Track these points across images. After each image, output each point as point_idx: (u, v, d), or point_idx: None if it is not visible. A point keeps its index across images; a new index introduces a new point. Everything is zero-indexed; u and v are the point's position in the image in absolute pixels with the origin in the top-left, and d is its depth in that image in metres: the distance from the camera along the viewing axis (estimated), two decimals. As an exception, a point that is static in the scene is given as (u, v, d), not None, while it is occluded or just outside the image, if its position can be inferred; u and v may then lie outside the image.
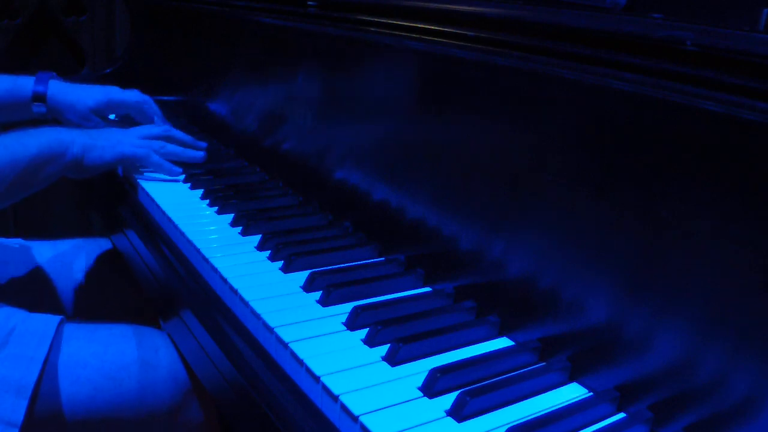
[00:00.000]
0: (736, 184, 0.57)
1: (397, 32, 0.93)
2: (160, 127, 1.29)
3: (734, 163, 0.57)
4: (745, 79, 0.56)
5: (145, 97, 1.41)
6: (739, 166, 0.57)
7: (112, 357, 0.96)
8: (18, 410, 0.86)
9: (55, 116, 1.37)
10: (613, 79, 0.66)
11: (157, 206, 1.09)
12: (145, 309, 1.31)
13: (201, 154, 1.27)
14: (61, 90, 1.35)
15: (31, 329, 0.93)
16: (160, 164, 1.20)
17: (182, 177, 1.22)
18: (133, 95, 1.40)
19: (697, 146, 0.60)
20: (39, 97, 1.34)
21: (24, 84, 1.33)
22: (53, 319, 0.95)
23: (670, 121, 0.62)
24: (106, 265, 1.30)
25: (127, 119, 1.44)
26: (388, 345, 0.72)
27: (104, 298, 1.27)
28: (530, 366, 0.71)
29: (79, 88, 1.39)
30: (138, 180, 1.19)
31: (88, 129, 1.20)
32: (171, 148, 1.24)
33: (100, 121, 1.38)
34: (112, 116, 1.46)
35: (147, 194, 1.14)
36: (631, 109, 0.65)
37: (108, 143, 1.15)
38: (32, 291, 1.18)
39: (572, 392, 0.68)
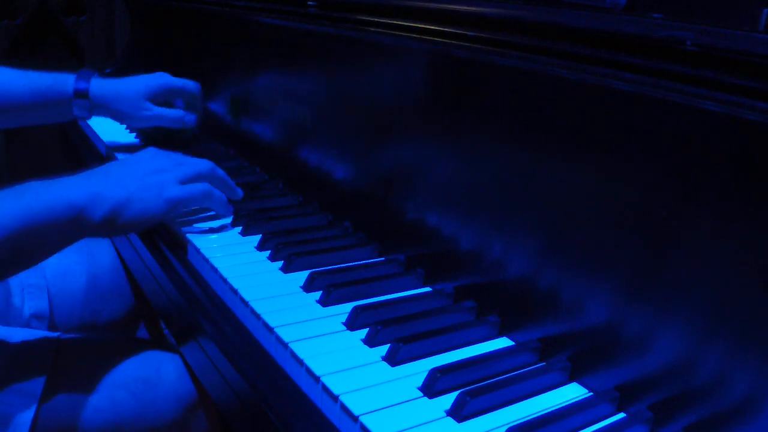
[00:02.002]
0: (736, 184, 0.57)
1: (397, 32, 0.93)
2: (204, 163, 0.99)
3: (734, 163, 0.57)
4: (745, 79, 0.56)
5: (198, 86, 1.36)
6: (739, 166, 0.57)
7: (111, 377, 0.93)
8: None
9: (102, 113, 1.31)
10: (613, 79, 0.66)
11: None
12: (146, 311, 1.31)
13: (241, 192, 1.05)
14: (106, 84, 1.29)
15: (28, 360, 0.90)
16: (220, 199, 0.98)
17: None
18: (189, 83, 1.34)
19: (697, 146, 0.60)
20: (81, 94, 1.25)
21: (64, 81, 1.26)
22: (49, 346, 0.93)
23: (670, 121, 0.62)
24: (106, 266, 1.29)
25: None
26: (388, 345, 0.72)
27: (105, 300, 1.26)
28: (530, 366, 0.71)
29: (125, 79, 1.32)
30: None
31: (103, 174, 0.91)
32: (218, 192, 0.99)
33: (154, 108, 1.31)
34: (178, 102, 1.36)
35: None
36: (631, 109, 0.65)
37: (147, 193, 0.89)
38: (38, 297, 1.17)
39: (572, 392, 0.68)
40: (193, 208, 1.02)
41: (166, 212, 0.91)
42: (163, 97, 1.33)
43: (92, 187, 0.85)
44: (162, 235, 1.06)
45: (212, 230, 1.01)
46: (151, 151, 0.99)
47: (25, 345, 0.94)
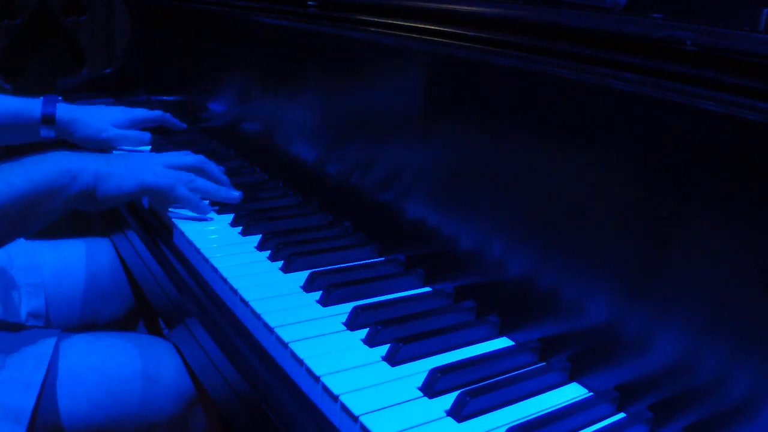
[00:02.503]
0: (736, 184, 0.57)
1: (397, 32, 0.93)
2: (192, 157, 1.10)
3: (734, 163, 0.57)
4: (745, 79, 0.56)
5: (164, 114, 1.39)
6: (739, 166, 0.57)
7: (111, 371, 0.94)
8: None
9: (66, 137, 1.33)
10: (613, 79, 0.66)
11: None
12: (146, 310, 1.31)
13: (237, 194, 1.09)
14: (72, 109, 1.31)
15: (28, 351, 0.91)
16: (188, 199, 1.03)
17: None
18: (152, 113, 1.37)
19: (697, 146, 0.60)
20: (48, 119, 1.28)
21: (32, 106, 1.29)
22: (50, 338, 0.94)
23: (670, 121, 0.62)
24: (106, 266, 1.29)
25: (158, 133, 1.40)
26: (388, 345, 0.72)
27: (105, 300, 1.26)
28: (530, 366, 0.71)
29: (93, 107, 1.35)
30: None
31: (102, 155, 1.04)
32: (201, 183, 1.05)
33: (120, 135, 1.34)
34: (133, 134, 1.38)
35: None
36: (631, 109, 0.65)
37: (127, 171, 0.99)
38: (35, 296, 1.17)
39: (572, 392, 0.68)
40: (168, 203, 1.07)
41: (137, 192, 1.00)
42: (127, 126, 1.37)
43: (85, 159, 0.96)
44: (162, 234, 1.06)
45: (212, 230, 1.01)
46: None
47: (26, 336, 0.95)
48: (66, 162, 0.94)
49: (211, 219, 1.05)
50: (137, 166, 1.02)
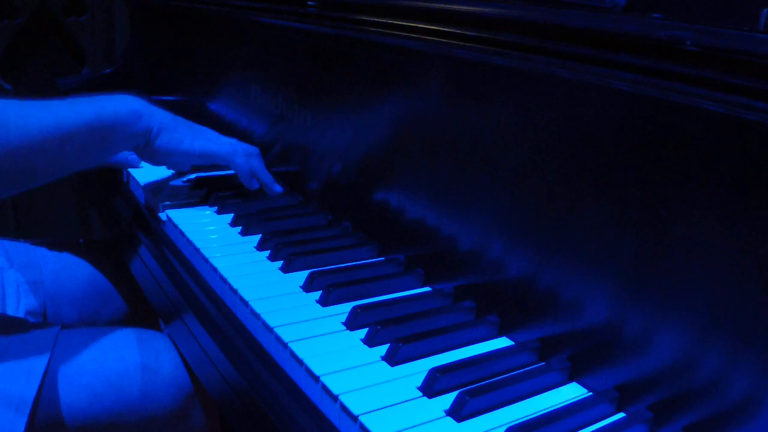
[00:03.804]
0: (736, 184, 0.57)
1: (397, 32, 0.93)
2: (249, 146, 1.13)
3: (734, 163, 0.57)
4: (745, 79, 0.56)
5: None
6: (739, 166, 0.57)
7: (112, 363, 0.95)
8: (18, 426, 0.85)
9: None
10: (613, 79, 0.66)
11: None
12: (146, 310, 1.31)
13: (279, 189, 1.14)
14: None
15: (30, 340, 0.92)
16: (244, 170, 1.09)
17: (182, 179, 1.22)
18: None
19: (697, 146, 0.60)
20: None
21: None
22: (52, 329, 0.95)
23: (669, 121, 0.62)
24: (106, 266, 1.30)
25: None
26: (388, 345, 0.72)
27: (104, 300, 1.26)
28: (530, 366, 0.71)
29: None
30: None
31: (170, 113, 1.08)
32: (258, 161, 1.11)
33: None
34: None
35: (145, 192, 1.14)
36: (631, 109, 0.65)
37: (191, 133, 1.06)
38: (33, 295, 1.17)
39: (572, 392, 0.68)
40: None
41: (198, 154, 1.06)
42: None
43: (154, 108, 1.03)
44: (161, 235, 1.06)
45: (212, 230, 1.01)
46: None
47: (29, 326, 0.95)
48: (135, 104, 1.01)
49: (181, 182, 1.15)
50: (201, 132, 1.08)
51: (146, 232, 1.08)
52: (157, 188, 1.15)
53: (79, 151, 0.93)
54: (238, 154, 1.08)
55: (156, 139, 1.03)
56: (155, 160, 1.06)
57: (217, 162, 1.10)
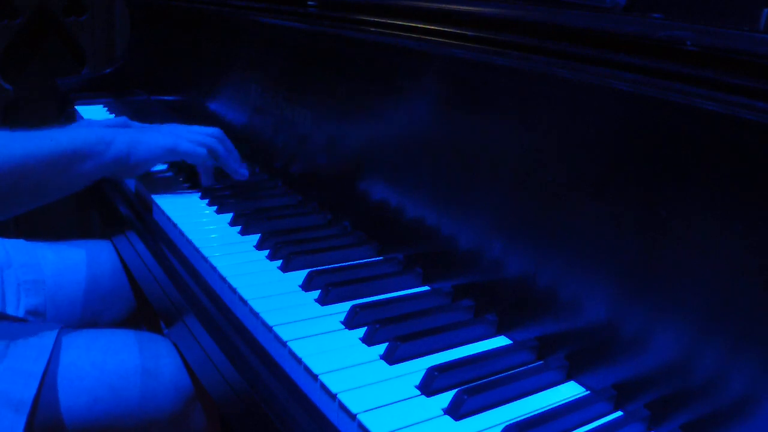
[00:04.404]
0: (736, 184, 0.57)
1: (397, 32, 0.93)
2: (211, 129, 1.18)
3: (734, 163, 0.57)
4: (745, 79, 0.56)
5: None
6: (739, 166, 0.57)
7: (112, 366, 0.94)
8: (17, 426, 0.85)
9: None
10: (613, 79, 0.66)
11: (157, 206, 1.09)
12: (148, 312, 1.31)
13: (246, 171, 1.20)
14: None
15: (30, 341, 0.92)
16: (210, 171, 1.17)
17: (182, 177, 1.22)
18: None
19: (696, 146, 0.60)
20: None
21: None
22: (51, 330, 0.94)
23: (669, 121, 0.62)
24: (106, 266, 1.29)
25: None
26: (387, 343, 0.72)
27: (105, 301, 1.26)
28: (528, 364, 0.71)
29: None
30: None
31: (132, 126, 1.15)
32: (223, 151, 1.16)
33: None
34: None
35: (146, 193, 1.14)
36: (630, 109, 0.65)
37: (158, 136, 1.10)
38: (34, 294, 1.17)
39: (570, 391, 0.68)
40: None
41: (166, 153, 1.10)
42: None
43: (117, 130, 1.06)
44: (161, 235, 1.06)
45: (212, 229, 1.01)
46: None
47: (28, 328, 0.95)
48: (101, 131, 1.04)
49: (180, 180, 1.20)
50: (167, 132, 1.12)
51: (146, 232, 1.08)
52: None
53: (57, 176, 0.98)
54: (209, 158, 1.13)
55: (129, 157, 1.06)
56: (132, 173, 1.11)
57: (186, 159, 1.14)
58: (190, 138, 1.13)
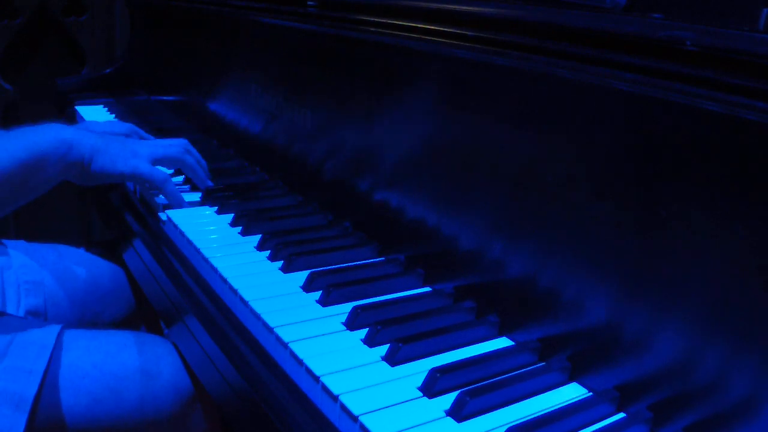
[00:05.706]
0: (736, 184, 0.57)
1: (397, 32, 0.93)
2: (175, 147, 1.14)
3: (734, 163, 0.57)
4: (745, 79, 0.56)
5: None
6: (739, 166, 0.57)
7: (112, 367, 0.94)
8: (17, 424, 0.85)
9: None
10: (613, 79, 0.66)
11: (157, 206, 1.09)
12: (148, 313, 1.31)
13: (211, 183, 1.17)
14: None
15: (31, 340, 0.92)
16: (174, 194, 1.09)
17: (182, 178, 1.22)
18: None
19: (697, 146, 0.60)
20: None
21: None
22: (53, 329, 0.94)
23: (669, 121, 0.62)
24: (107, 267, 1.29)
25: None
26: (388, 345, 0.71)
27: (106, 301, 1.26)
28: (530, 366, 0.71)
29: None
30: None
31: (97, 132, 1.08)
32: (190, 160, 1.14)
33: None
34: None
35: (147, 193, 1.14)
36: (631, 109, 0.65)
37: (122, 152, 1.05)
38: (34, 294, 1.17)
39: (572, 392, 0.68)
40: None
41: (129, 176, 1.05)
42: None
43: (82, 133, 1.02)
44: (161, 235, 1.06)
45: (212, 230, 1.01)
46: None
47: (29, 326, 0.95)
48: (63, 132, 0.99)
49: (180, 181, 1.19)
50: (132, 151, 1.06)
51: (146, 232, 1.08)
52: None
53: (15, 190, 0.94)
54: (169, 183, 1.08)
55: (90, 164, 1.01)
56: (90, 181, 1.05)
57: (146, 185, 1.12)
58: (154, 154, 1.09)
